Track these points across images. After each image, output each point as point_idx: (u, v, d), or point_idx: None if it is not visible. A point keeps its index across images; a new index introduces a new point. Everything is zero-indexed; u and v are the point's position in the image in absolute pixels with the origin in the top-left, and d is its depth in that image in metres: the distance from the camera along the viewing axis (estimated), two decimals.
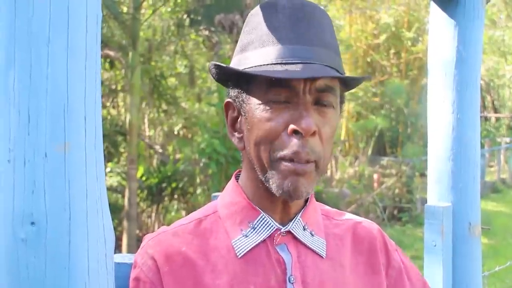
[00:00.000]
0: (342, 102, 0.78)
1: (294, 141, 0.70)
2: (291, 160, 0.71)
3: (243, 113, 0.76)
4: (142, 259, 0.74)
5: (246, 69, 0.73)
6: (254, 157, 0.74)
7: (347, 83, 0.78)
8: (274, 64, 0.71)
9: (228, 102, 0.79)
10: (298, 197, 0.73)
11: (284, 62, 0.71)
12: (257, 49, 0.74)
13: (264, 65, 0.72)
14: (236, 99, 0.77)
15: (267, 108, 0.71)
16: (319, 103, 0.72)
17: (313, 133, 0.71)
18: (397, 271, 0.83)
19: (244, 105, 0.75)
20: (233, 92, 0.77)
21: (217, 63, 0.77)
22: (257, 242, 0.74)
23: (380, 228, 0.87)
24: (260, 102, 0.72)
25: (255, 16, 0.76)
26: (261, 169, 0.74)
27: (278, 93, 0.71)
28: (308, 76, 0.69)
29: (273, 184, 0.72)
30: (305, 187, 0.72)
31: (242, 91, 0.75)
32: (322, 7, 0.76)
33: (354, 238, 0.82)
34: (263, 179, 0.74)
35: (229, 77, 0.78)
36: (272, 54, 0.72)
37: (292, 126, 0.70)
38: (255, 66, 0.73)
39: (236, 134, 0.78)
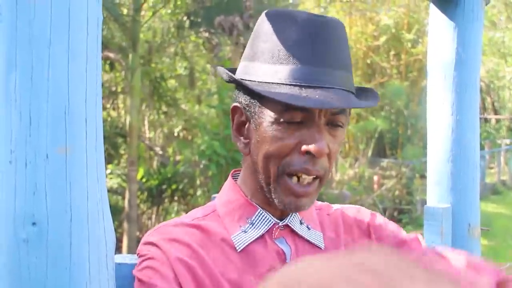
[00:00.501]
0: (349, 114, 0.79)
1: (305, 160, 0.72)
2: (297, 175, 0.72)
3: (253, 124, 0.75)
4: (146, 247, 0.74)
5: (262, 83, 0.72)
6: (261, 168, 0.75)
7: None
8: (291, 85, 0.70)
9: (236, 106, 0.78)
10: (299, 211, 0.76)
11: (302, 84, 0.70)
12: (271, 63, 0.72)
13: (280, 84, 0.71)
14: (247, 107, 0.76)
15: (280, 127, 0.72)
16: (331, 124, 0.73)
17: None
18: (394, 238, 0.84)
19: (256, 116, 0.74)
20: (244, 100, 0.76)
21: (236, 78, 0.76)
22: (256, 237, 0.76)
23: (362, 207, 0.88)
24: (273, 120, 0.72)
25: (270, 23, 0.74)
26: (266, 181, 0.75)
27: (294, 115, 0.71)
28: (328, 107, 0.70)
29: (276, 199, 0.74)
30: (307, 205, 0.75)
31: (254, 102, 0.74)
32: (340, 21, 0.74)
33: (345, 226, 0.84)
34: (266, 189, 0.75)
35: (242, 85, 0.77)
36: (288, 73, 0.71)
37: (305, 147, 0.71)
38: (269, 83, 0.72)
39: (242, 139, 0.78)
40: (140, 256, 0.74)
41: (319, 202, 0.88)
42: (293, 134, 0.72)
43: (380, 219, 0.87)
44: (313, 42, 0.71)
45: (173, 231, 0.75)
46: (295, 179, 0.72)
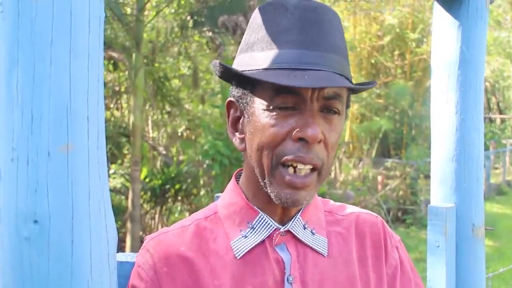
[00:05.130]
0: (347, 106, 0.77)
1: (299, 148, 0.69)
2: (293, 166, 0.69)
3: (246, 115, 0.74)
4: (142, 258, 0.74)
5: (253, 71, 0.71)
6: (255, 161, 0.73)
7: (354, 88, 0.77)
8: (282, 69, 0.69)
9: (230, 101, 0.78)
10: (297, 207, 0.73)
11: (292, 67, 0.68)
12: (264, 50, 0.71)
13: (271, 69, 0.69)
14: (240, 100, 0.75)
15: (273, 114, 0.70)
16: (326, 110, 0.71)
17: (319, 141, 0.70)
18: (393, 269, 0.81)
19: (248, 107, 0.73)
20: (237, 92, 0.76)
21: (223, 63, 0.75)
22: (256, 243, 0.74)
23: (382, 220, 0.85)
24: (265, 107, 0.70)
25: (263, 13, 0.74)
26: (261, 174, 0.72)
27: (285, 99, 0.69)
28: (317, 86, 0.67)
29: (272, 193, 0.71)
30: (305, 199, 0.71)
31: (246, 93, 0.74)
32: (332, 9, 0.74)
33: (357, 233, 0.81)
34: (262, 184, 0.73)
35: (233, 77, 0.77)
36: (280, 58, 0.69)
37: (297, 133, 0.68)
38: (262, 69, 0.70)
39: (237, 134, 0.77)
40: (137, 266, 0.74)
41: (331, 203, 0.85)
42: (286, 121, 0.69)
43: (394, 239, 0.84)
44: (302, 26, 0.70)
45: (171, 242, 0.74)
46: (291, 169, 0.69)
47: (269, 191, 0.72)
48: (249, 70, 0.72)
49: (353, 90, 0.77)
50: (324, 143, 0.71)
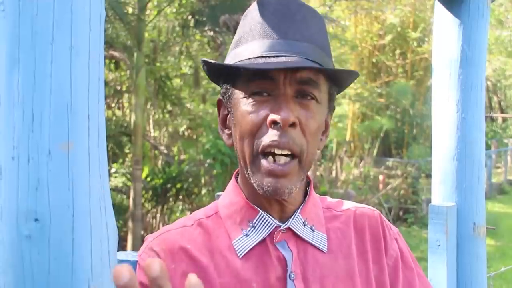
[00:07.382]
0: (331, 99, 0.78)
1: (274, 131, 0.70)
2: (272, 155, 0.71)
3: (229, 109, 0.77)
4: (147, 256, 0.73)
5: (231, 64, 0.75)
6: (239, 151, 0.75)
7: (337, 80, 0.78)
8: (257, 57, 0.73)
9: (219, 99, 0.81)
10: (280, 197, 0.73)
11: (265, 55, 0.72)
12: (244, 44, 0.75)
13: (248, 59, 0.73)
14: (225, 96, 0.78)
15: (250, 101, 0.73)
16: (301, 95, 0.73)
17: (293, 125, 0.71)
18: (394, 260, 0.81)
19: (230, 100, 0.76)
20: (222, 89, 0.79)
21: (205, 59, 0.78)
22: (257, 241, 0.75)
23: (380, 213, 0.85)
24: (243, 95, 0.74)
25: (248, 13, 0.78)
26: (244, 165, 0.74)
27: (259, 85, 0.72)
28: (282, 67, 0.70)
29: (255, 183, 0.73)
30: (287, 187, 0.72)
31: (228, 87, 0.77)
32: (310, 6, 0.78)
33: (356, 227, 0.82)
34: (246, 175, 0.75)
35: (219, 75, 0.79)
36: (256, 48, 0.73)
37: (270, 117, 0.70)
38: (241, 60, 0.74)
39: (226, 130, 0.80)
40: (140, 260, 0.74)
41: (329, 199, 0.86)
42: (262, 107, 0.72)
43: (393, 231, 0.84)
44: (276, 19, 0.74)
45: (176, 240, 0.75)
46: (270, 158, 0.71)
47: (252, 181, 0.73)
48: (230, 64, 0.76)
49: (335, 82, 0.78)
50: (301, 129, 0.72)
